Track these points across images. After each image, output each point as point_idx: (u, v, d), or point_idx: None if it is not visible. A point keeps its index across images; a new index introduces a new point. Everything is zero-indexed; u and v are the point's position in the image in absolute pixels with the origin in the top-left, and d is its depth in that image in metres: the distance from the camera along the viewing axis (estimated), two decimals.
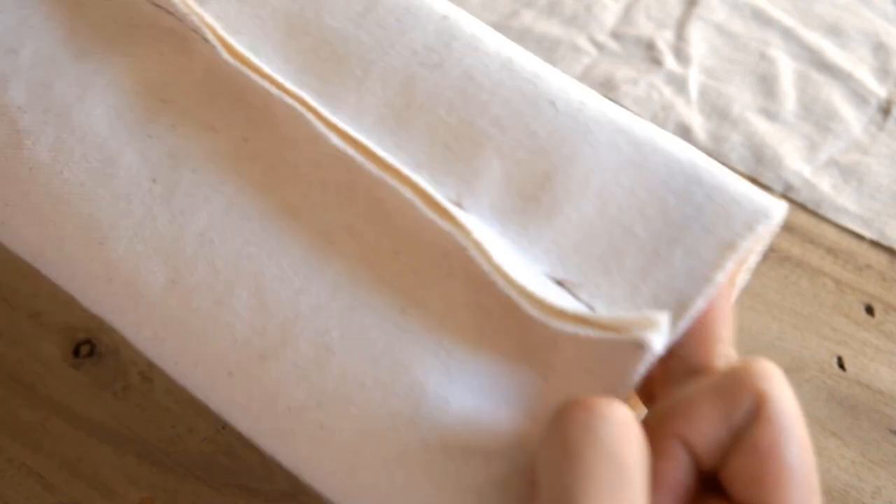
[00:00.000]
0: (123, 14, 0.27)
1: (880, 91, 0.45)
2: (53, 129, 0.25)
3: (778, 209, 0.21)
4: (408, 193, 0.22)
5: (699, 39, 0.47)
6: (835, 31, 0.47)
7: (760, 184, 0.41)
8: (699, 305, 0.20)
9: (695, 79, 0.45)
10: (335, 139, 0.23)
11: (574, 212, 0.22)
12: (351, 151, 0.23)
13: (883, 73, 0.46)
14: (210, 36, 0.25)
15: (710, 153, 0.42)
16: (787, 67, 0.46)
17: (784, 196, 0.41)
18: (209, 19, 0.25)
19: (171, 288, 0.24)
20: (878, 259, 0.39)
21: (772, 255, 0.39)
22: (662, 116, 0.43)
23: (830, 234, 0.40)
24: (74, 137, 0.25)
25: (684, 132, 0.43)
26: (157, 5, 0.26)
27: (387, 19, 0.25)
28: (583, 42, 0.46)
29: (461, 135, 0.23)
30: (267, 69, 0.24)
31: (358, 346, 0.22)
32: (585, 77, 0.45)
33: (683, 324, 0.20)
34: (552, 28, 0.47)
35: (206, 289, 0.23)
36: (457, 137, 0.23)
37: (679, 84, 0.45)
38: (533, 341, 0.21)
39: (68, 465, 0.31)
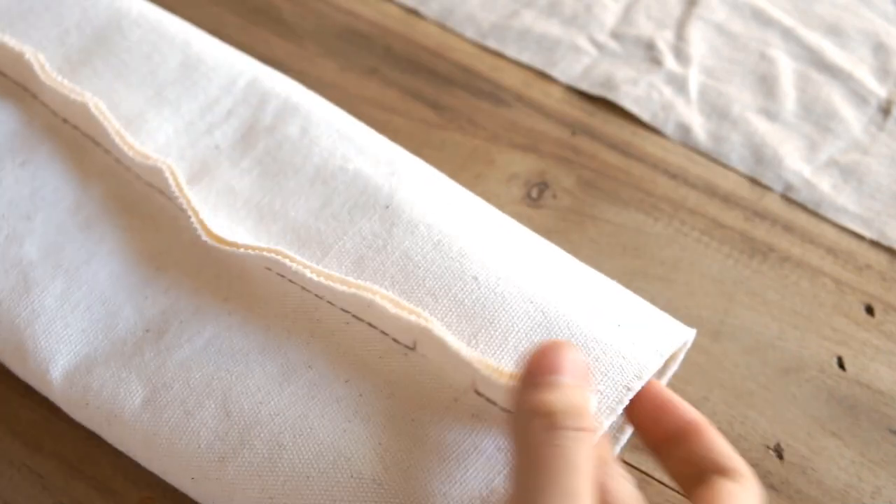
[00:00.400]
0: (121, 191, 0.33)
1: (880, 91, 0.45)
2: (62, 283, 0.31)
3: (653, 363, 0.27)
4: (368, 330, 0.29)
5: (699, 39, 0.47)
6: (835, 31, 0.47)
7: (760, 184, 0.41)
8: (603, 432, 0.26)
9: (695, 79, 0.45)
10: (306, 283, 0.29)
11: (494, 363, 0.27)
12: (312, 298, 0.29)
13: (883, 73, 0.46)
14: (193, 220, 0.31)
15: (710, 153, 0.42)
16: (787, 67, 0.46)
17: (784, 196, 0.41)
18: (195, 203, 0.31)
19: (146, 406, 0.28)
20: (878, 259, 0.39)
21: (772, 254, 0.39)
22: (662, 116, 0.43)
23: (830, 234, 0.40)
24: (81, 292, 0.30)
25: (684, 132, 0.43)
26: (151, 185, 0.32)
27: (340, 212, 0.32)
28: (583, 42, 0.46)
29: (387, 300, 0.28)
30: (237, 241, 0.30)
31: (307, 444, 0.27)
32: (585, 77, 0.45)
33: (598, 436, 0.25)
34: (552, 28, 0.47)
35: (178, 403, 0.28)
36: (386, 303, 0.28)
37: (679, 84, 0.45)
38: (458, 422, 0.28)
39: (68, 465, 0.31)
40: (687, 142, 0.43)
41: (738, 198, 0.41)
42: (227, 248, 0.30)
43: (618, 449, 0.30)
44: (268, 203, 0.32)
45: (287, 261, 0.29)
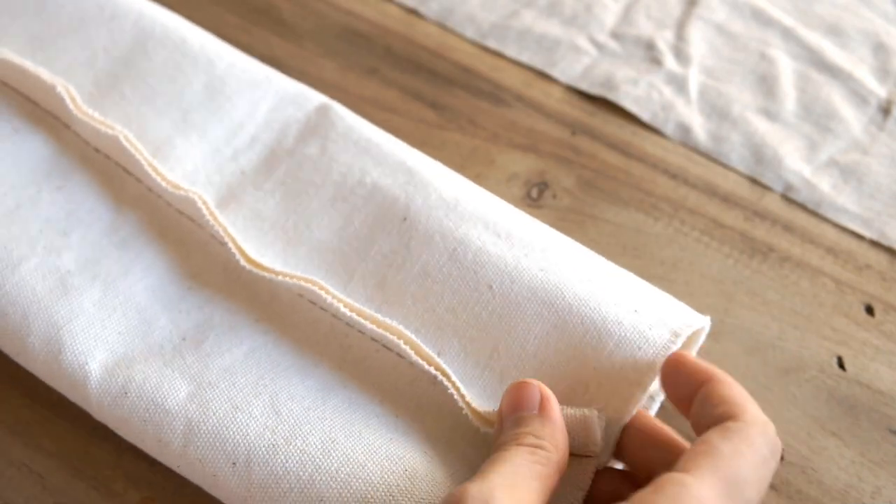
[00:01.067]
0: (154, 217, 0.34)
1: (880, 91, 0.45)
2: (99, 290, 0.32)
3: (666, 350, 0.29)
4: (396, 359, 0.31)
5: (699, 39, 0.47)
6: (835, 31, 0.47)
7: (761, 184, 0.41)
8: (620, 428, 0.28)
9: (695, 79, 0.45)
10: (338, 314, 0.31)
11: (518, 373, 0.30)
12: (342, 326, 0.31)
13: (883, 73, 0.46)
14: (231, 246, 0.32)
15: (710, 153, 0.42)
16: (787, 67, 0.46)
17: (784, 196, 0.41)
18: (231, 231, 0.33)
19: (191, 399, 0.29)
20: (878, 259, 0.39)
21: (772, 254, 0.39)
22: (662, 116, 0.43)
23: (830, 234, 0.40)
24: (118, 300, 0.32)
25: (684, 132, 0.43)
26: (182, 213, 0.34)
27: (360, 230, 0.33)
28: (583, 42, 0.46)
29: (427, 322, 0.31)
30: (273, 266, 0.32)
31: (359, 442, 0.28)
32: (585, 77, 0.45)
33: (614, 434, 0.28)
34: (552, 28, 0.47)
35: (225, 399, 0.29)
36: (423, 324, 0.31)
37: (679, 84, 0.45)
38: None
39: (68, 465, 0.31)
40: (687, 142, 0.43)
41: (738, 198, 0.41)
42: (266, 273, 0.32)
43: (653, 410, 0.32)
44: (293, 225, 0.34)
45: (322, 293, 0.31)
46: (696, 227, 0.39)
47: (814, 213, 0.40)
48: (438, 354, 0.30)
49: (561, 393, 0.29)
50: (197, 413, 0.29)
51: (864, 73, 0.45)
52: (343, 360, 0.31)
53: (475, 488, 0.24)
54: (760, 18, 0.48)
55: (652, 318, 0.30)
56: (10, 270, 0.32)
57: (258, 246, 0.33)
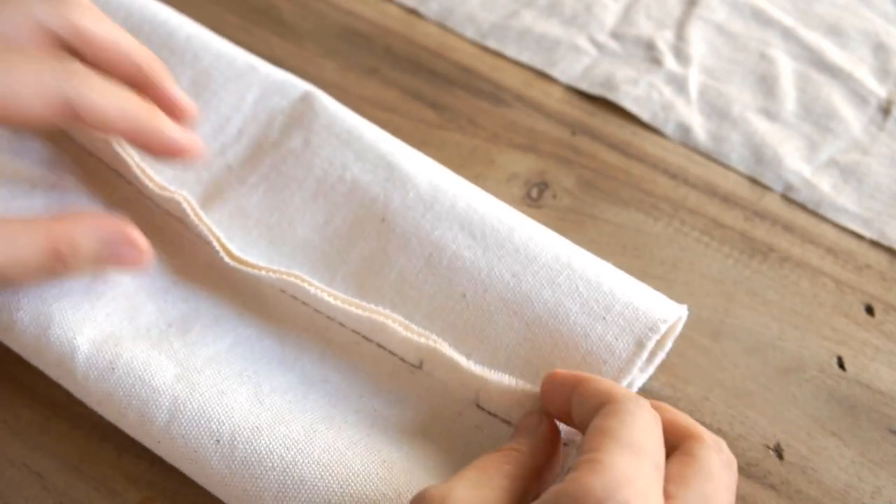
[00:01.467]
0: (143, 218, 0.35)
1: (880, 91, 0.45)
2: (89, 278, 0.32)
3: (631, 364, 0.29)
4: (377, 350, 0.31)
5: (699, 39, 0.47)
6: (835, 31, 0.47)
7: (761, 184, 0.41)
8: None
9: (695, 79, 0.45)
10: (320, 308, 0.31)
11: (493, 375, 0.30)
12: (323, 319, 0.32)
13: (883, 73, 0.46)
14: (216, 244, 0.33)
15: (710, 153, 0.42)
16: (787, 67, 0.46)
17: (784, 196, 0.41)
18: (216, 230, 0.33)
19: (178, 380, 0.30)
20: (878, 259, 0.39)
21: (772, 254, 0.39)
22: (662, 116, 0.43)
23: (830, 234, 0.40)
24: (106, 286, 0.32)
25: (684, 132, 0.43)
26: (169, 213, 0.34)
27: (341, 229, 0.34)
28: (583, 42, 0.46)
29: (403, 328, 0.31)
30: (256, 262, 0.32)
31: (339, 434, 0.29)
32: (585, 77, 0.45)
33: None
34: (552, 28, 0.47)
35: (211, 385, 0.30)
36: (397, 330, 0.31)
37: (679, 84, 0.45)
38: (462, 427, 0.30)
39: (68, 465, 0.31)
40: (687, 142, 0.43)
41: (738, 198, 0.41)
42: (249, 270, 0.32)
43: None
44: (276, 222, 0.34)
45: (306, 285, 0.31)
46: (696, 227, 0.39)
47: (814, 213, 0.40)
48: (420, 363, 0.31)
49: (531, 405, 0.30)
50: (184, 392, 0.29)
51: (864, 73, 0.45)
52: (324, 355, 0.32)
53: (435, 488, 0.24)
54: (760, 18, 0.48)
55: (619, 327, 0.30)
56: None
57: (242, 245, 0.34)
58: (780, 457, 0.33)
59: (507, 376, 0.30)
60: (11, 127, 0.30)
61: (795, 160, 0.42)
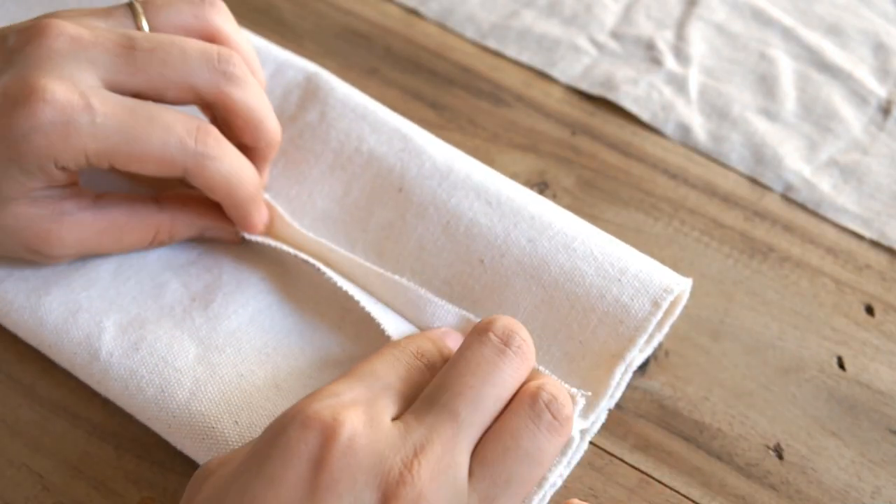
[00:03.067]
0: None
1: (880, 91, 0.45)
2: (115, 262, 0.33)
3: (648, 322, 0.30)
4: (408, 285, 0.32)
5: (699, 39, 0.47)
6: (835, 31, 0.47)
7: (760, 184, 0.41)
8: (605, 399, 0.31)
9: (695, 79, 0.45)
10: (335, 283, 0.32)
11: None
12: (343, 292, 0.32)
13: (883, 73, 0.46)
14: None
15: (710, 153, 0.42)
16: (787, 67, 0.46)
17: (784, 196, 0.41)
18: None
19: (199, 361, 0.31)
20: (878, 259, 0.39)
21: (772, 254, 0.39)
22: (662, 116, 0.43)
23: (830, 234, 0.40)
24: (132, 269, 0.33)
25: (684, 132, 0.43)
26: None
27: (359, 199, 0.35)
28: (583, 42, 0.46)
29: (420, 296, 0.31)
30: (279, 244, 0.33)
31: None
32: (585, 77, 0.45)
33: (601, 407, 0.31)
34: (552, 28, 0.47)
35: (231, 366, 0.31)
36: (418, 297, 0.31)
37: (679, 84, 0.45)
38: None
39: (68, 465, 0.31)
40: (687, 142, 0.43)
41: (738, 198, 0.41)
42: (272, 243, 0.33)
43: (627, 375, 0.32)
44: (296, 195, 0.35)
45: (324, 267, 0.32)
46: (696, 227, 0.39)
47: (814, 213, 0.40)
48: (430, 322, 0.32)
49: (548, 366, 0.31)
50: (204, 374, 0.30)
51: (864, 73, 0.45)
52: (340, 326, 0.33)
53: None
54: (760, 18, 0.48)
55: (633, 289, 0.31)
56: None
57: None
58: (780, 457, 0.33)
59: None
60: (125, 171, 0.31)
61: (795, 160, 0.42)
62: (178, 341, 0.31)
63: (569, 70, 0.45)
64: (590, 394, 0.30)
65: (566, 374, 0.31)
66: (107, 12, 0.31)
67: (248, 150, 0.33)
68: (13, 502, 0.30)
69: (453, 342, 0.30)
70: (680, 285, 0.31)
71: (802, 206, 0.40)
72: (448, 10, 0.47)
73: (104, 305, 0.32)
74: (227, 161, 0.31)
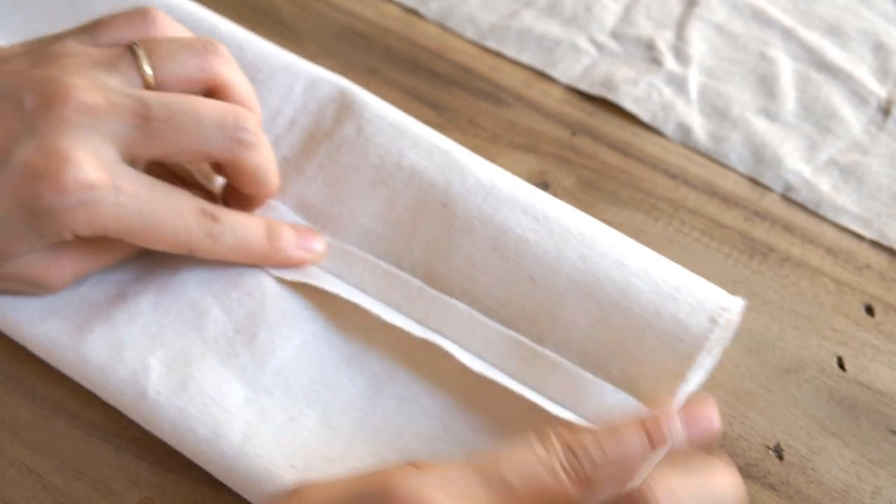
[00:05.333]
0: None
1: (880, 91, 0.45)
2: (154, 294, 0.32)
3: (705, 339, 0.30)
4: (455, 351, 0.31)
5: (699, 39, 0.47)
6: (835, 31, 0.47)
7: (760, 184, 0.41)
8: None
9: (695, 79, 0.45)
10: (390, 325, 0.31)
11: (564, 361, 0.30)
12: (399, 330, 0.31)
13: (883, 73, 0.46)
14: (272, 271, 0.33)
15: (709, 153, 0.42)
16: (787, 67, 0.46)
17: (784, 196, 0.41)
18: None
19: (249, 403, 0.30)
20: (878, 259, 0.39)
21: (772, 254, 0.39)
22: (662, 116, 0.43)
23: (830, 234, 0.40)
24: (172, 297, 0.32)
25: (684, 132, 0.43)
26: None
27: (403, 216, 0.33)
28: (583, 42, 0.46)
29: (474, 314, 0.31)
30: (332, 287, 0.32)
31: (407, 457, 0.29)
32: (585, 77, 0.45)
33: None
34: (552, 28, 0.47)
35: (281, 409, 0.30)
36: (472, 319, 0.31)
37: (679, 84, 0.45)
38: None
39: (68, 465, 0.31)
40: (687, 142, 0.43)
41: (738, 198, 0.41)
42: (313, 283, 0.32)
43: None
44: (339, 213, 0.34)
45: (374, 311, 0.31)
46: (696, 227, 0.39)
47: (814, 213, 0.40)
48: (485, 347, 0.31)
49: (608, 386, 0.30)
50: (255, 417, 0.30)
51: (864, 73, 0.45)
52: (392, 349, 0.32)
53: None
54: (760, 18, 0.48)
55: (689, 306, 0.30)
56: (73, 288, 0.32)
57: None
58: (780, 457, 0.33)
59: (574, 358, 0.30)
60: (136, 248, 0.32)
61: (795, 160, 0.42)
62: (225, 381, 0.30)
63: (569, 70, 0.45)
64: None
65: (627, 394, 0.30)
66: (110, 62, 0.30)
67: (247, 196, 0.34)
68: (13, 502, 0.30)
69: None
70: (738, 302, 0.31)
71: (802, 207, 0.40)
72: (448, 11, 0.47)
73: (147, 341, 0.31)
74: (230, 233, 0.31)
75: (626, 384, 0.30)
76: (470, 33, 0.46)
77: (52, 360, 0.32)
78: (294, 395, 0.30)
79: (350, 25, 0.46)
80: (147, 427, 0.30)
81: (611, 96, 0.44)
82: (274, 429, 0.29)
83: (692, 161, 0.42)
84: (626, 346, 0.30)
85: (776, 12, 0.48)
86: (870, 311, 0.37)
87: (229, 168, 0.32)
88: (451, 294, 0.32)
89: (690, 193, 0.41)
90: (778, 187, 0.41)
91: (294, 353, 0.31)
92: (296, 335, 0.32)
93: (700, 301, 0.30)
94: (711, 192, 0.41)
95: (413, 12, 0.47)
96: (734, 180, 0.41)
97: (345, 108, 0.36)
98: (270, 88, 0.37)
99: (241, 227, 0.32)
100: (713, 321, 0.30)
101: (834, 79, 0.45)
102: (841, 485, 0.32)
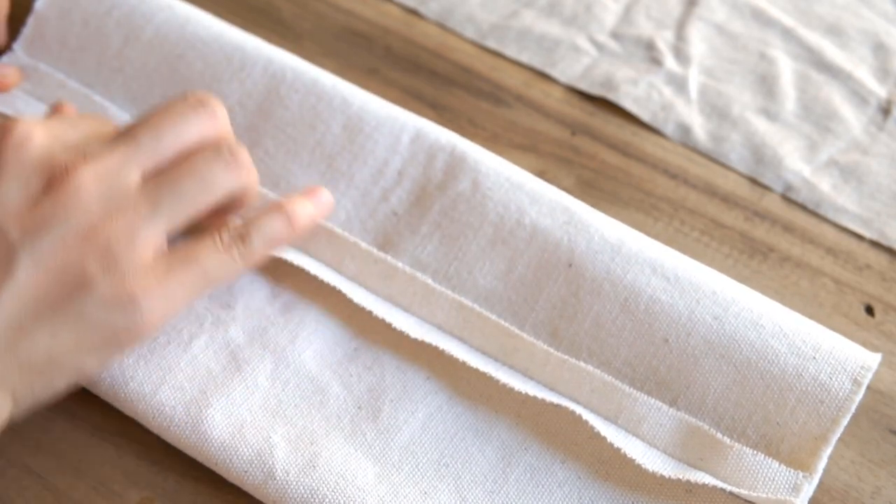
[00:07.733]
0: (312, 283, 0.34)
1: (880, 91, 0.45)
2: (271, 363, 0.32)
3: (850, 402, 0.30)
4: (586, 415, 0.30)
5: (699, 39, 0.47)
6: (835, 31, 0.47)
7: (760, 184, 0.41)
8: (812, 485, 0.30)
9: (695, 79, 0.45)
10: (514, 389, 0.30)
11: (701, 424, 0.30)
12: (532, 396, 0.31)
13: (883, 73, 0.46)
14: (396, 324, 0.32)
15: (709, 153, 0.42)
16: (787, 67, 0.46)
17: (784, 196, 0.41)
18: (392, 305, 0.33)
19: (380, 480, 0.30)
20: (878, 259, 0.39)
21: (772, 254, 0.39)
22: (662, 116, 0.43)
23: (830, 234, 0.40)
24: (289, 370, 0.32)
25: (684, 132, 0.43)
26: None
27: (525, 276, 0.33)
28: (583, 42, 0.46)
29: (604, 377, 0.31)
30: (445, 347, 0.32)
31: None
32: (585, 77, 0.45)
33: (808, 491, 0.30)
34: (552, 28, 0.47)
35: (412, 484, 0.30)
36: (601, 379, 0.31)
37: (679, 84, 0.45)
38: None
39: (68, 465, 0.31)
40: (687, 142, 0.43)
41: (738, 198, 0.41)
42: (427, 339, 0.32)
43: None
44: (455, 272, 0.33)
45: (498, 375, 0.31)
46: (696, 227, 0.39)
47: (814, 213, 0.40)
48: (618, 412, 0.31)
49: (745, 448, 0.30)
50: (388, 494, 0.29)
51: (864, 73, 0.45)
52: (519, 416, 0.31)
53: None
54: (760, 18, 0.48)
55: (830, 366, 0.30)
56: (182, 349, 0.32)
57: (424, 304, 0.33)
58: None
59: (710, 421, 0.30)
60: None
61: (795, 160, 0.42)
62: (353, 458, 0.30)
63: (569, 70, 0.45)
64: (809, 475, 0.29)
65: (765, 457, 0.30)
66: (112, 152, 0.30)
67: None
68: (13, 502, 0.30)
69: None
70: (875, 360, 0.31)
71: (802, 206, 0.40)
72: (448, 10, 0.47)
73: (268, 417, 0.31)
74: (260, 240, 0.31)
75: (764, 447, 0.30)
76: (470, 33, 0.46)
77: (168, 437, 0.31)
78: (424, 470, 0.30)
79: (350, 25, 0.46)
80: None
81: (611, 96, 0.44)
82: None
83: (692, 161, 0.42)
84: (766, 408, 0.30)
85: (776, 12, 0.48)
86: (870, 311, 0.37)
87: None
88: (578, 357, 0.31)
89: (690, 193, 0.41)
90: (778, 187, 0.41)
91: (420, 427, 0.31)
92: (420, 408, 0.31)
93: (840, 361, 0.30)
94: (711, 192, 0.41)
95: (413, 12, 0.47)
96: (734, 180, 0.41)
97: (456, 159, 0.35)
98: (377, 140, 0.36)
99: (266, 228, 0.31)
100: (857, 383, 0.30)
101: (834, 79, 0.45)
102: (841, 485, 0.32)
